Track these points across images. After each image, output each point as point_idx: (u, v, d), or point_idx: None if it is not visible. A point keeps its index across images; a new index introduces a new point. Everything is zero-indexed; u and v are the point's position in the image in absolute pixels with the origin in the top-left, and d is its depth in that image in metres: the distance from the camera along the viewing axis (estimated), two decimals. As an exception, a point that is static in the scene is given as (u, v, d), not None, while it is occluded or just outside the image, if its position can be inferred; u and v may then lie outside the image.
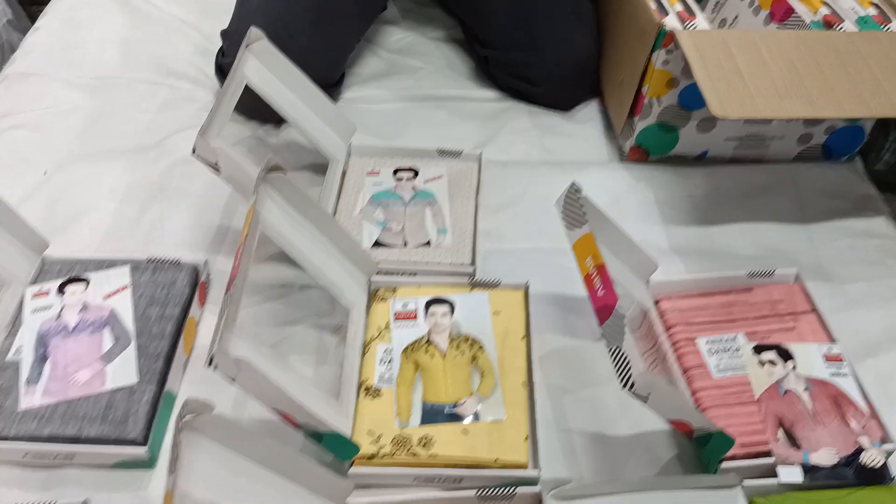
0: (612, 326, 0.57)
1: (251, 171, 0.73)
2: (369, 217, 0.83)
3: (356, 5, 1.01)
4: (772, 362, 0.69)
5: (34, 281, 0.73)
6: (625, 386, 0.55)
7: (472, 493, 0.60)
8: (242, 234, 0.61)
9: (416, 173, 0.89)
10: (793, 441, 0.63)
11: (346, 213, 0.84)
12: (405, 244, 0.81)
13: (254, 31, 0.78)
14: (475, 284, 0.76)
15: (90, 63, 1.03)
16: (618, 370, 0.55)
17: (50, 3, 1.12)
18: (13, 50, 1.16)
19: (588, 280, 0.61)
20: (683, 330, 0.72)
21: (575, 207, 0.65)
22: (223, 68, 0.97)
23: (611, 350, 0.56)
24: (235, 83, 0.76)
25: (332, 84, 0.99)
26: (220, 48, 0.98)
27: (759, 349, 0.70)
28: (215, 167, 0.70)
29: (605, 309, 0.58)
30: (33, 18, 1.35)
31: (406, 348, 0.70)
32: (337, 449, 0.61)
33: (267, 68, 0.81)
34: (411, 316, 0.73)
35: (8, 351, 0.68)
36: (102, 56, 1.04)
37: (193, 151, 0.69)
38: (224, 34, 0.97)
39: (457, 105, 1.04)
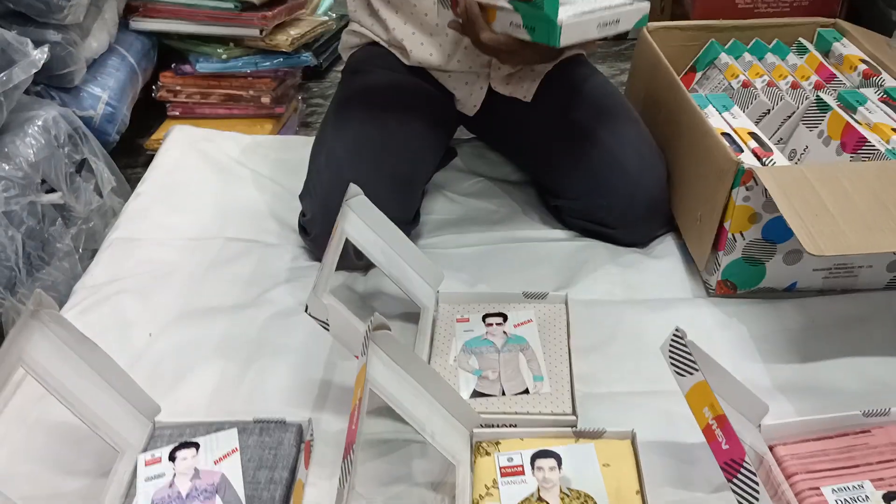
0: (744, 482, 0.55)
1: (359, 327, 0.75)
2: (464, 365, 0.84)
3: (418, 139, 1.05)
4: (906, 511, 0.65)
5: (146, 447, 0.74)
6: (765, 549, 0.52)
7: None
8: (355, 396, 0.62)
9: (506, 318, 0.90)
10: None
11: (440, 362, 0.85)
12: (503, 392, 0.80)
13: (352, 188, 0.83)
14: (579, 434, 0.74)
15: (187, 225, 1.09)
16: (756, 532, 0.53)
17: (149, 169, 1.21)
18: (115, 215, 1.25)
19: (708, 431, 0.60)
20: (806, 478, 0.69)
21: (683, 354, 0.65)
22: (305, 227, 1.02)
23: (745, 510, 0.54)
24: (337, 239, 0.80)
25: (407, 222, 1.02)
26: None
27: (889, 497, 0.66)
28: (325, 324, 0.72)
29: (732, 463, 0.56)
30: (130, 181, 1.46)
31: (516, 506, 0.68)
32: None
33: (363, 221, 0.85)
34: (518, 471, 0.71)
35: (122, 521, 0.69)
36: (198, 217, 1.11)
37: (306, 310, 0.71)
38: (301, 196, 1.03)
39: (534, 246, 1.06)
